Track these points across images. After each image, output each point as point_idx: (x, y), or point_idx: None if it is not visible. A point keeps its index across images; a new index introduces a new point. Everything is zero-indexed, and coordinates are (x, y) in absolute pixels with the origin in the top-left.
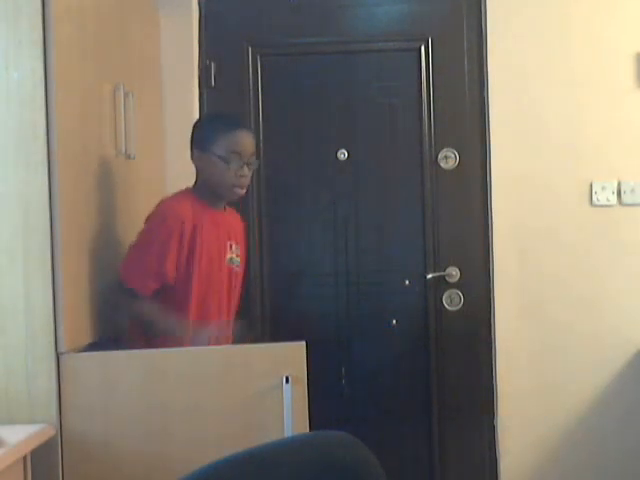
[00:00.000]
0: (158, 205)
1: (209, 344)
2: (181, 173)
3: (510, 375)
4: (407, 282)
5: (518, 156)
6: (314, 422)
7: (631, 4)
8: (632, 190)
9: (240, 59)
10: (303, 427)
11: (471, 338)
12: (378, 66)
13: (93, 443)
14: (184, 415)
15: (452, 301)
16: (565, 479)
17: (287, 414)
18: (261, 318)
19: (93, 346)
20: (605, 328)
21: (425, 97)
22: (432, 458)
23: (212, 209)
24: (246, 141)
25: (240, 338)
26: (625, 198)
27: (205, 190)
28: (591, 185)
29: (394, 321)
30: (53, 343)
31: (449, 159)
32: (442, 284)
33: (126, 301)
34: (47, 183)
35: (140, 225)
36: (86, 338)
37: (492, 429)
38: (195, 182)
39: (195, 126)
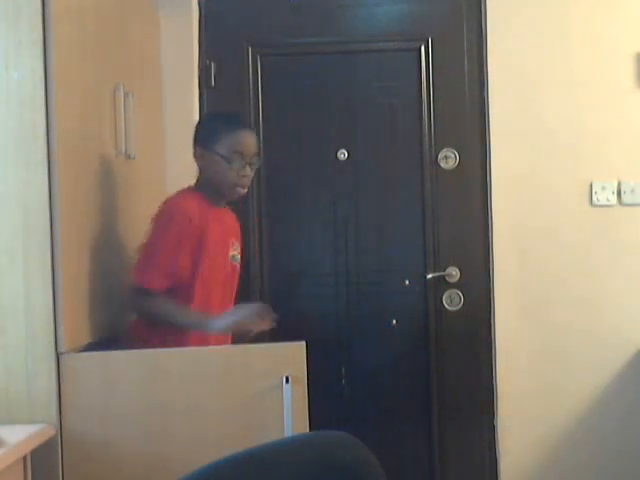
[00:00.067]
0: (164, 204)
1: (233, 330)
2: (181, 173)
3: (510, 375)
4: (407, 282)
5: (518, 156)
6: (314, 422)
7: (631, 4)
8: (632, 190)
9: (240, 59)
10: (303, 427)
11: (471, 338)
12: (378, 66)
13: (93, 443)
14: (184, 415)
15: (452, 301)
16: (565, 479)
17: (287, 414)
18: None
19: (93, 346)
20: (605, 328)
21: (425, 97)
22: (432, 458)
23: (215, 207)
24: (249, 141)
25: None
26: (625, 198)
27: (208, 188)
28: (591, 185)
29: (394, 321)
30: (53, 343)
31: (449, 159)
32: (442, 284)
33: (140, 301)
34: (47, 183)
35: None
36: (86, 338)
37: (492, 429)
38: (197, 180)
39: (198, 125)
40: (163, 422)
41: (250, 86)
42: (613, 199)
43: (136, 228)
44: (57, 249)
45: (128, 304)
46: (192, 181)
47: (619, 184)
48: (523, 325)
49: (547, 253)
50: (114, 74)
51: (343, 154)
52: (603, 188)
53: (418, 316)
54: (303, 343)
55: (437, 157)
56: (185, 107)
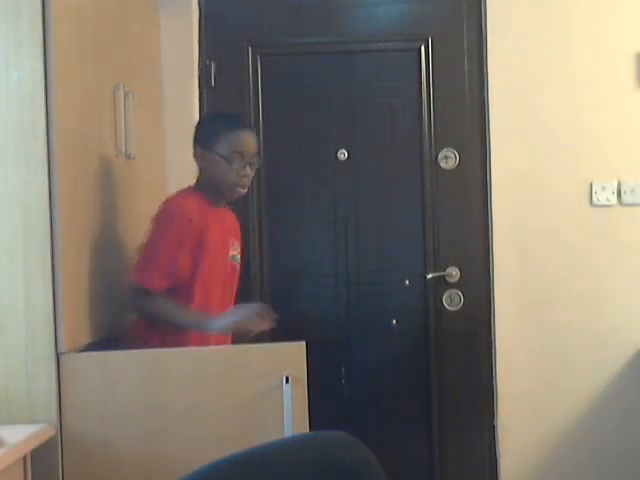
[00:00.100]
0: (164, 204)
1: (233, 330)
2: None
3: (510, 375)
4: (407, 282)
5: (518, 156)
6: (314, 422)
7: (631, 4)
8: (632, 190)
9: (240, 59)
10: (303, 427)
11: (471, 338)
12: (378, 66)
13: (93, 443)
14: (184, 415)
15: (452, 301)
16: (565, 479)
17: (287, 414)
18: None
19: (93, 346)
20: (605, 328)
21: (425, 97)
22: (432, 458)
23: (215, 207)
24: (249, 141)
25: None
26: (625, 198)
27: (208, 188)
28: (591, 185)
29: (394, 321)
30: (53, 343)
31: (449, 159)
32: (442, 284)
33: (140, 301)
34: (47, 183)
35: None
36: (86, 338)
37: (492, 429)
38: (198, 180)
39: (198, 125)
40: (163, 422)
41: (250, 86)
42: (613, 199)
43: (136, 228)
44: (57, 249)
45: (128, 304)
46: (192, 181)
47: (619, 184)
48: (523, 325)
49: (547, 253)
50: (114, 74)
51: (343, 154)
52: (603, 188)
53: (418, 316)
54: (303, 343)
55: (437, 157)
56: (185, 107)
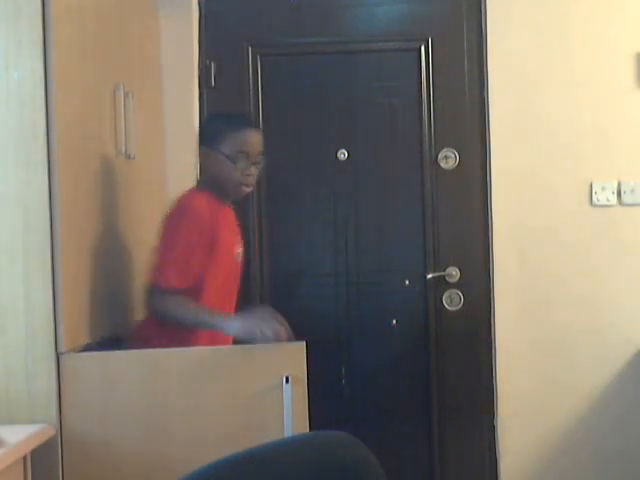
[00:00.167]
0: (177, 203)
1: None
2: (181, 173)
3: (510, 375)
4: (407, 282)
5: (518, 156)
6: (314, 422)
7: (631, 4)
8: (632, 190)
9: (240, 59)
10: (303, 427)
11: (471, 338)
12: (378, 66)
13: (93, 443)
14: (184, 415)
15: (452, 301)
16: (565, 479)
17: (287, 414)
18: None
19: (93, 346)
20: (605, 328)
21: (425, 97)
22: (432, 458)
23: (223, 206)
24: (253, 140)
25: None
26: (625, 198)
27: (214, 187)
28: (591, 185)
29: (394, 321)
30: (53, 343)
31: (449, 159)
32: (442, 284)
33: (159, 300)
34: (47, 183)
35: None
36: (86, 338)
37: (492, 429)
38: (202, 180)
39: (203, 125)
40: (163, 422)
41: (250, 86)
42: (613, 199)
43: (136, 228)
44: (57, 249)
45: (146, 303)
46: (192, 181)
47: (619, 184)
48: (523, 325)
49: (547, 253)
50: (114, 74)
51: (343, 154)
52: (603, 188)
53: (418, 316)
54: (303, 343)
55: (437, 157)
56: (185, 107)
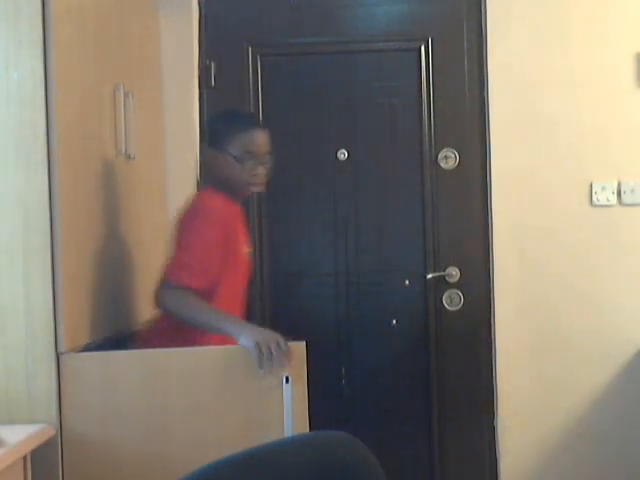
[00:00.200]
0: (194, 202)
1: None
2: (181, 173)
3: (510, 375)
4: (407, 282)
5: (518, 156)
6: (314, 422)
7: (631, 4)
8: (632, 190)
9: (240, 59)
10: (303, 427)
11: (471, 338)
12: (378, 66)
13: (93, 443)
14: (184, 415)
15: (452, 301)
16: (565, 479)
17: (287, 414)
18: (261, 318)
19: (93, 346)
20: (605, 328)
21: (425, 97)
22: (432, 458)
23: (235, 205)
24: (260, 140)
25: None
26: (625, 198)
27: (224, 188)
28: (591, 185)
29: (394, 321)
30: (53, 343)
31: (449, 159)
32: (442, 284)
33: (176, 300)
34: (47, 183)
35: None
36: (86, 338)
37: (492, 429)
38: (211, 180)
39: (209, 125)
40: (163, 422)
41: (250, 86)
42: (613, 199)
43: (136, 228)
44: (57, 249)
45: (156, 298)
46: (192, 181)
47: (619, 184)
48: (523, 325)
49: (547, 253)
50: (114, 74)
51: (343, 154)
52: (603, 188)
53: (418, 316)
54: (303, 343)
55: (437, 157)
56: (185, 107)
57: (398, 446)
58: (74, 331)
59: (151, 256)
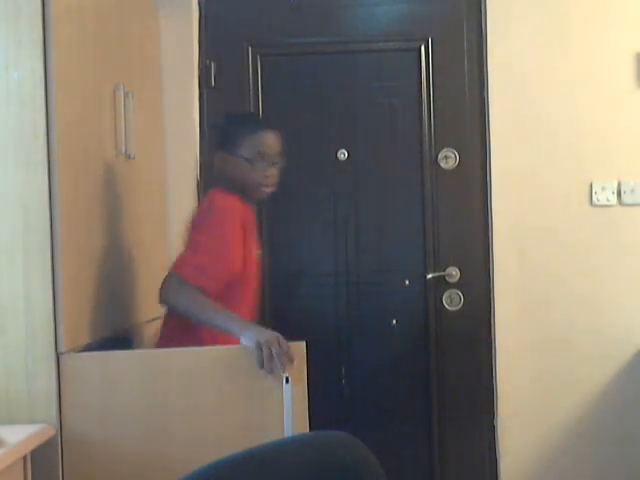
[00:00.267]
0: (210, 204)
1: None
2: (181, 173)
3: (510, 375)
4: (407, 282)
5: (518, 156)
6: (314, 422)
7: (631, 4)
8: (632, 190)
9: (240, 59)
10: (303, 427)
11: (471, 338)
12: (378, 66)
13: (93, 443)
14: (184, 415)
15: (452, 301)
16: (565, 479)
17: (287, 414)
18: (261, 318)
19: (93, 346)
20: (605, 328)
21: (425, 97)
22: (432, 458)
23: (248, 207)
24: (271, 141)
25: None
26: (625, 198)
27: (236, 190)
28: (591, 185)
29: (394, 321)
30: (53, 343)
31: (449, 159)
32: (442, 284)
33: (176, 292)
34: (47, 183)
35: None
36: (86, 338)
37: (492, 429)
38: (221, 183)
39: (219, 129)
40: (163, 422)
41: (250, 86)
42: (613, 199)
43: (136, 228)
44: (57, 249)
45: (169, 295)
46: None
47: (619, 184)
48: (523, 325)
49: (547, 253)
50: (114, 74)
51: (343, 154)
52: (603, 188)
53: (418, 316)
54: (303, 343)
55: (437, 157)
56: (185, 107)
57: (398, 446)
58: (74, 331)
59: (151, 256)
